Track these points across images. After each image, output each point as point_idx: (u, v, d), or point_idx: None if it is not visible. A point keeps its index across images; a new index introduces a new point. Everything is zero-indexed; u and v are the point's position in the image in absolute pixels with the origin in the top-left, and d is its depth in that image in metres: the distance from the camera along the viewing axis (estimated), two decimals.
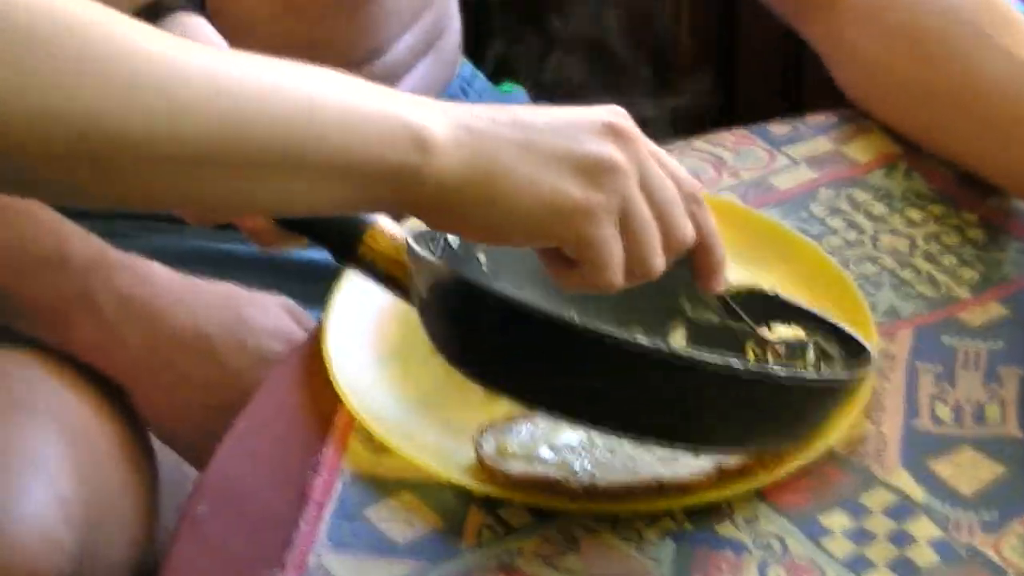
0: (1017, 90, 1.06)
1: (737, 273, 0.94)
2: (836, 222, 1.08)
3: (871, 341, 0.92)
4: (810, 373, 0.85)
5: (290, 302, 1.08)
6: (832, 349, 0.89)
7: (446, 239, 0.88)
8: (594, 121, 0.82)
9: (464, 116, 0.79)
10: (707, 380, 0.80)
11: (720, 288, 0.89)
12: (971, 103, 1.08)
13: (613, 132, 0.82)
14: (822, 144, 1.15)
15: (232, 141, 0.73)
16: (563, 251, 0.81)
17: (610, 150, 0.81)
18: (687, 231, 0.83)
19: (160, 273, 1.06)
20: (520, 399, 0.81)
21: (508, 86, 1.40)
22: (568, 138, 0.82)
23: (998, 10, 1.10)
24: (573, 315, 0.88)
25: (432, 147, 0.77)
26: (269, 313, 1.08)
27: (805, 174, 1.12)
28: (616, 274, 0.81)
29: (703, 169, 1.12)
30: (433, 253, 0.86)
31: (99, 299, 1.05)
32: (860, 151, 1.14)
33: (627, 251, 0.81)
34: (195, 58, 0.72)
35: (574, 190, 0.80)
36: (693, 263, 0.86)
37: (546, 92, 1.44)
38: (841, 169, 1.13)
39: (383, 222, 0.87)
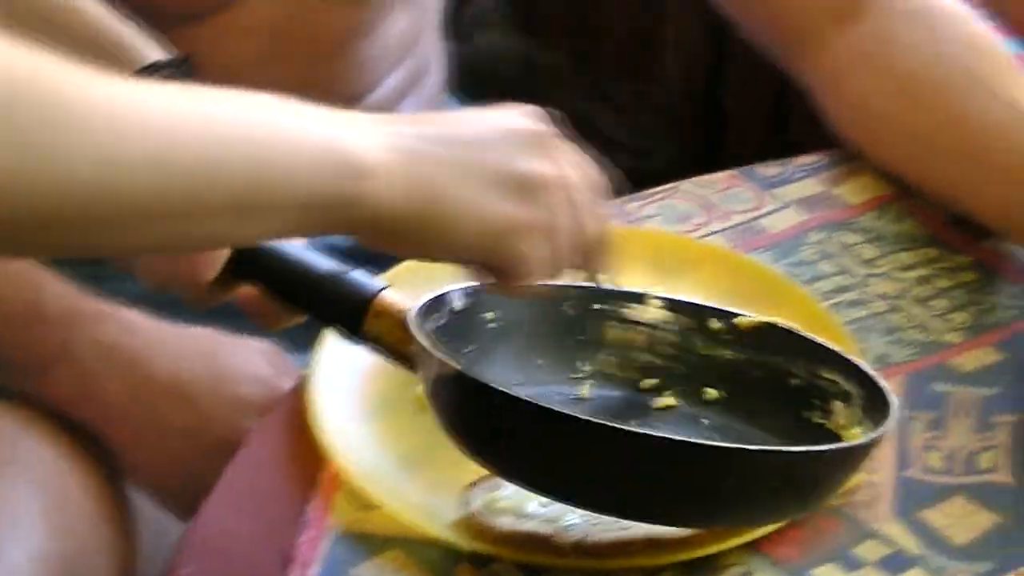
0: (1015, 136, 1.07)
1: None
2: (827, 266, 1.08)
3: None
4: (816, 447, 0.85)
5: (273, 347, 1.08)
6: (852, 389, 0.89)
7: (451, 305, 0.90)
8: (522, 131, 0.86)
9: (398, 137, 0.81)
10: (720, 464, 0.81)
11: (606, 275, 0.92)
12: (968, 148, 1.09)
13: (539, 142, 0.86)
14: (812, 186, 1.15)
15: (183, 188, 0.74)
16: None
17: (541, 166, 0.85)
18: (596, 230, 0.88)
19: (140, 321, 1.06)
20: (527, 487, 0.83)
21: None
22: (501, 154, 0.85)
23: (995, 57, 1.12)
24: (588, 380, 0.93)
25: (368, 173, 0.79)
26: (250, 359, 1.08)
27: (795, 217, 1.13)
28: (539, 281, 0.86)
29: (693, 212, 1.13)
30: (438, 320, 0.88)
31: (78, 349, 1.06)
32: (851, 193, 1.15)
33: (549, 256, 0.86)
34: (152, 105, 0.74)
35: (510, 210, 0.84)
36: (584, 251, 0.90)
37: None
38: (832, 211, 1.13)
39: (387, 295, 0.89)
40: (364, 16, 1.20)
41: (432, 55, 1.31)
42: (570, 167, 0.87)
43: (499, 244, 0.85)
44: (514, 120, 0.87)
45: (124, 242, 0.77)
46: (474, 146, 0.85)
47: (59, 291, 1.07)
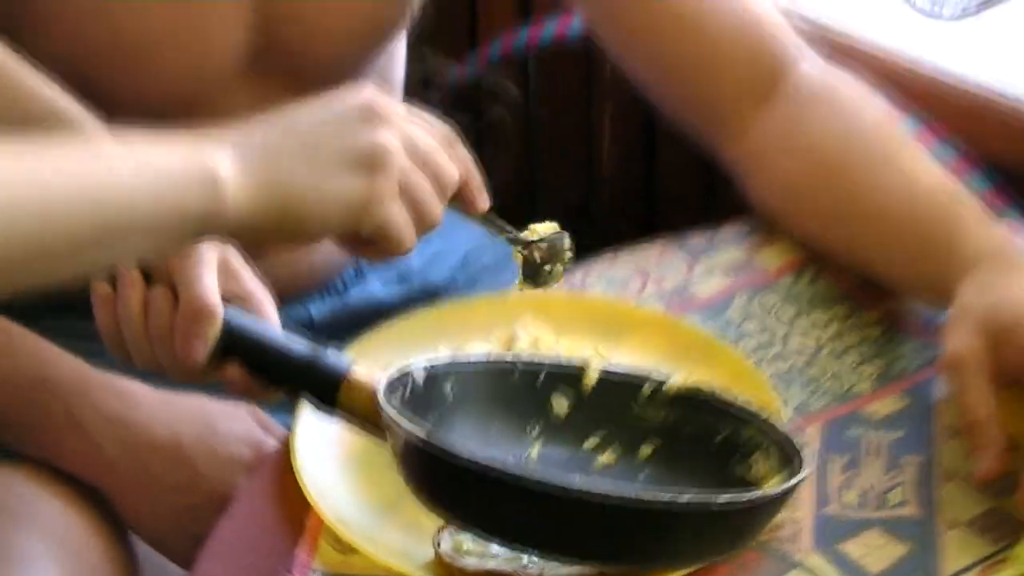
0: (915, 206, 1.07)
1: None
2: (750, 326, 1.08)
3: None
4: (738, 497, 0.86)
5: (258, 410, 1.09)
6: (767, 443, 0.91)
7: (413, 379, 0.91)
8: (355, 108, 0.86)
9: (245, 145, 0.81)
10: (654, 516, 0.83)
11: (485, 206, 0.94)
12: (874, 218, 1.09)
13: (373, 113, 0.85)
14: (736, 253, 1.15)
15: (52, 234, 0.75)
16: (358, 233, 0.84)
17: (379, 135, 0.85)
18: (453, 173, 0.89)
19: (137, 389, 1.06)
20: (487, 537, 0.86)
21: None
22: (341, 134, 0.84)
23: (896, 135, 1.13)
24: (537, 442, 0.94)
25: (224, 185, 0.80)
26: (238, 421, 1.08)
27: (722, 282, 1.13)
28: (409, 241, 0.87)
29: (631, 280, 1.13)
30: (403, 395, 0.89)
31: (82, 417, 1.05)
32: (770, 259, 1.15)
33: (412, 214, 0.86)
34: (12, 163, 0.75)
35: (359, 183, 0.84)
36: (459, 194, 0.91)
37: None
38: (754, 276, 1.13)
39: (357, 371, 0.90)
40: None
41: None
42: (409, 125, 0.87)
43: (362, 218, 0.85)
44: (345, 99, 0.87)
45: (18, 280, 0.77)
46: (314, 133, 0.84)
47: (65, 364, 1.06)
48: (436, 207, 0.88)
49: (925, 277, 1.06)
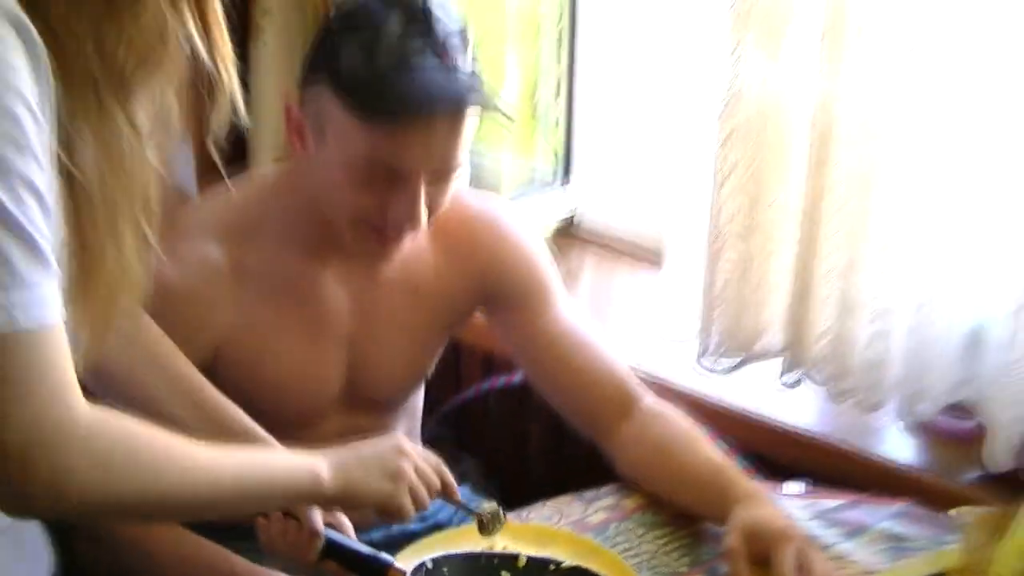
0: (707, 472, 1.30)
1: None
2: (620, 539, 1.34)
3: None
4: None
5: None
6: None
7: (426, 567, 1.16)
8: (393, 447, 1.15)
9: (336, 460, 1.09)
10: None
11: (458, 498, 1.18)
12: (685, 481, 1.32)
13: (401, 450, 1.15)
14: (611, 500, 1.40)
15: (224, 501, 1.00)
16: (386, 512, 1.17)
17: (404, 460, 1.14)
18: (437, 483, 1.18)
19: None
20: None
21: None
22: (382, 458, 1.13)
23: (696, 435, 1.36)
24: None
25: (323, 479, 1.09)
26: None
27: (604, 516, 1.37)
28: (409, 517, 1.14)
29: (554, 514, 1.37)
30: (423, 574, 1.18)
31: None
32: (630, 503, 1.39)
33: (413, 502, 1.16)
34: (223, 463, 0.99)
35: (390, 485, 1.13)
36: (443, 495, 1.18)
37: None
38: (621, 513, 1.37)
39: (397, 565, 1.14)
40: (386, 424, 1.46)
41: (416, 442, 1.47)
42: (418, 457, 1.17)
43: (388, 502, 1.14)
44: (388, 441, 1.15)
45: (172, 519, 1.09)
46: (367, 457, 1.12)
47: (240, 562, 1.26)
48: (427, 500, 1.18)
49: (714, 511, 1.32)
